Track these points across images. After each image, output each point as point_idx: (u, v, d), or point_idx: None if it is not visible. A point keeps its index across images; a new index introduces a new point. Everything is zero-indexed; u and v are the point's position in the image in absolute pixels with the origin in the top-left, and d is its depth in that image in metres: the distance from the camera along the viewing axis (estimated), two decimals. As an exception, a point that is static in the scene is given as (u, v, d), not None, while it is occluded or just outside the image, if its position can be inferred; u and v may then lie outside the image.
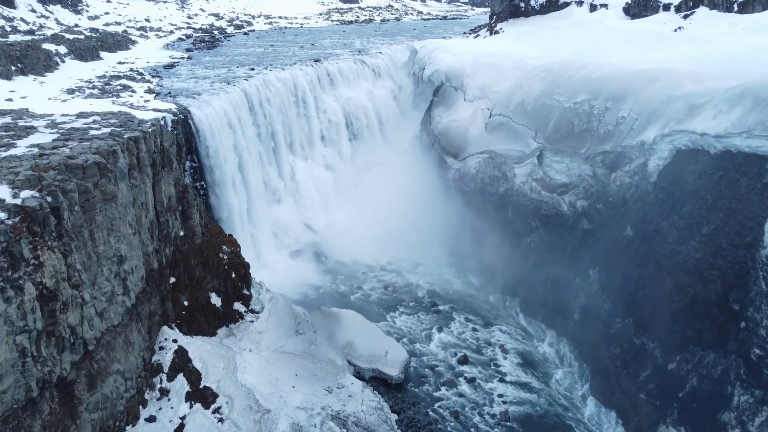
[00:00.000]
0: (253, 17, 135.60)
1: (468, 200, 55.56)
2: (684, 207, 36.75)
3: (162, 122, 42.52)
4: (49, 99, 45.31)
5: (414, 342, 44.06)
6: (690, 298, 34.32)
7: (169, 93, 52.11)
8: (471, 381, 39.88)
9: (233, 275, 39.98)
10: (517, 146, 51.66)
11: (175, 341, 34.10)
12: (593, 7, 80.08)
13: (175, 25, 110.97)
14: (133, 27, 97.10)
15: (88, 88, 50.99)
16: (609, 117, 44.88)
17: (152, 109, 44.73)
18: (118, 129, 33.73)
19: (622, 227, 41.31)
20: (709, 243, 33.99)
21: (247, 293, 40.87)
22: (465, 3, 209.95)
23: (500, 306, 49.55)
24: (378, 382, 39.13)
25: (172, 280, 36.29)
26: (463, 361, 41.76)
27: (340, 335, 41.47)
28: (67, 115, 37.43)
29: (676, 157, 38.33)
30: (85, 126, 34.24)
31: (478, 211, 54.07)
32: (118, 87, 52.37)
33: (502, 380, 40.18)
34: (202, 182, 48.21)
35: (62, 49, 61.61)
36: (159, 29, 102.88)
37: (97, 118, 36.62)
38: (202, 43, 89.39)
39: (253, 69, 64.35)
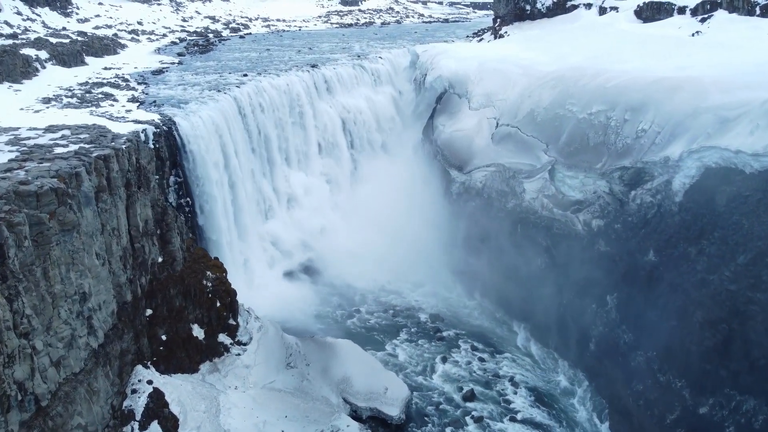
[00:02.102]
0: (250, 20, 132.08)
1: (473, 216, 51.95)
2: (715, 232, 33.26)
3: (142, 135, 39.32)
4: (21, 109, 41.86)
5: (416, 374, 40.53)
6: (725, 335, 30.80)
7: (154, 102, 48.61)
8: (479, 420, 36.36)
9: (218, 304, 36.45)
10: (526, 159, 48.12)
11: (150, 382, 30.57)
12: (603, 10, 76.62)
13: (169, 28, 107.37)
14: (125, 30, 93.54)
15: (67, 96, 47.50)
16: (628, 129, 41.40)
17: (132, 121, 41.34)
18: (87, 146, 30.35)
19: (644, 251, 37.80)
20: (747, 274, 30.49)
21: (234, 323, 37.35)
22: (466, 6, 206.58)
23: (509, 332, 45.98)
24: (377, 422, 35.69)
25: (149, 312, 32.79)
26: (470, 397, 38.24)
27: (335, 369, 37.95)
28: (35, 128, 33.97)
29: (705, 175, 34.87)
30: (51, 142, 30.85)
31: (484, 228, 50.45)
32: (100, 95, 48.87)
33: (513, 419, 36.69)
34: (188, 199, 44.71)
35: (43, 54, 58.08)
36: (152, 32, 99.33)
37: (67, 132, 33.22)
38: (195, 47, 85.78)
39: (246, 75, 60.85)
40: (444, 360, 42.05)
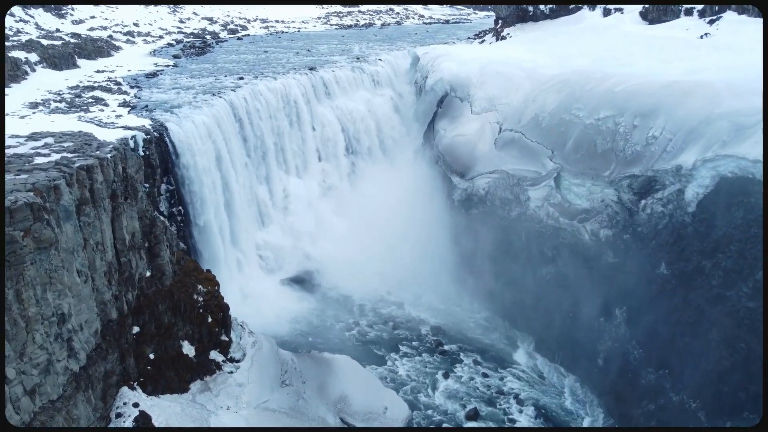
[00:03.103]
0: (249, 21, 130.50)
1: (476, 224, 50.29)
2: (731, 245, 31.68)
3: (131, 142, 37.91)
4: (6, 115, 40.22)
5: (417, 391, 38.92)
6: (743, 355, 29.20)
7: (146, 106, 47.02)
8: (482, 441, 34.79)
9: (209, 319, 34.81)
10: (531, 166, 46.46)
11: (136, 405, 28.92)
12: (607, 12, 74.90)
13: (165, 29, 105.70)
14: (120, 32, 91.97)
15: (55, 101, 45.87)
16: (637, 136, 39.77)
17: (122, 127, 39.77)
18: (70, 155, 28.70)
19: (655, 263, 36.22)
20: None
21: (226, 339, 35.69)
22: (467, 6, 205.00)
23: (513, 346, 44.38)
24: (375, 444, 34.03)
25: (136, 329, 31.12)
26: (473, 416, 36.63)
27: (332, 387, 36.32)
28: (17, 136, 32.30)
29: (720, 185, 33.30)
30: (33, 151, 29.21)
31: (487, 236, 48.81)
32: (90, 100, 47.29)
33: (518, 440, 35.08)
34: (180, 207, 43.12)
35: (33, 57, 56.53)
36: (148, 34, 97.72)
37: (50, 140, 31.55)
38: (192, 49, 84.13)
39: (242, 78, 59.27)
40: (446, 375, 40.44)
